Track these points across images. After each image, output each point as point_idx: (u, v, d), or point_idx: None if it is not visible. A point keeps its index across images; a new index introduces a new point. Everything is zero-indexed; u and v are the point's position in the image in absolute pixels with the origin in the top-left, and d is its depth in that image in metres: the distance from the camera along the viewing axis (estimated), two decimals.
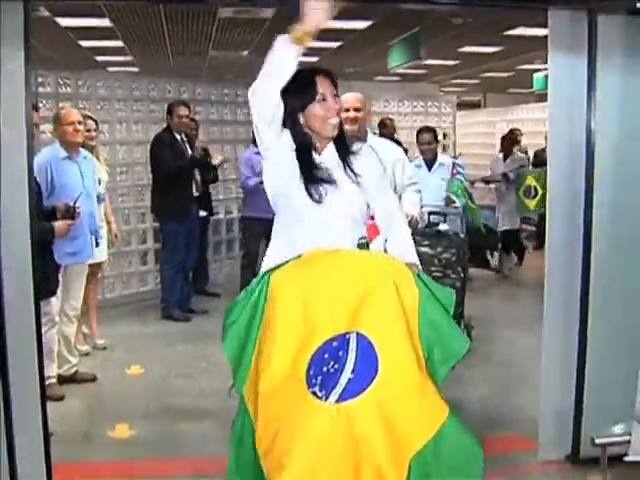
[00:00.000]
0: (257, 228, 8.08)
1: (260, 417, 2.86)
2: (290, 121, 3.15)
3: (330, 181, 3.14)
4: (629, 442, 4.03)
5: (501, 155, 10.73)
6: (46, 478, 3.90)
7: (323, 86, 3.16)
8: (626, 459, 4.03)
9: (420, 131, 7.69)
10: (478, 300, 7.61)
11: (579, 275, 4.20)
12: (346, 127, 4.72)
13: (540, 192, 9.12)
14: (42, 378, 3.93)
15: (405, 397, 2.84)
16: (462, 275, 6.04)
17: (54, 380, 5.38)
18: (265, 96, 2.97)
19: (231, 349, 3.05)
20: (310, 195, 3.10)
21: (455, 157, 11.11)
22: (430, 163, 7.32)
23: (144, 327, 7.66)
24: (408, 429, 2.81)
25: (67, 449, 4.53)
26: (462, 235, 6.53)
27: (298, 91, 3.11)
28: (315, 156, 3.20)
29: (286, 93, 3.03)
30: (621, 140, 4.17)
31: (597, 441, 4.20)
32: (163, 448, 4.69)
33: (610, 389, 4.18)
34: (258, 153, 8.24)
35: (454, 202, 6.85)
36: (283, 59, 2.91)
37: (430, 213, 6.34)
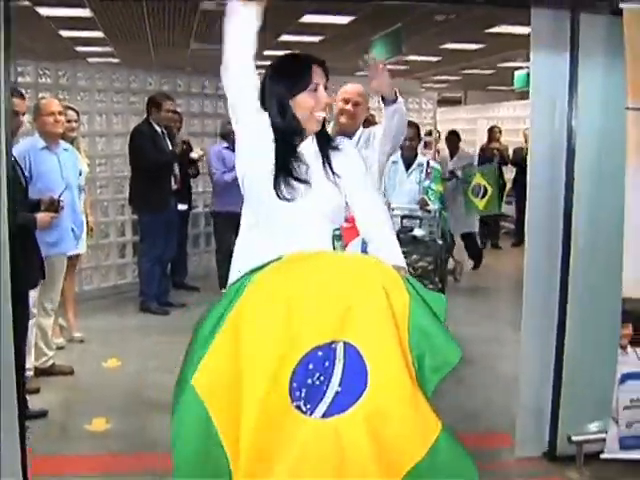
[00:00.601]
0: (229, 223, 8.04)
1: (243, 446, 2.60)
2: (277, 106, 2.97)
3: (304, 180, 2.96)
4: (605, 440, 4.07)
5: (447, 153, 10.69)
6: (22, 471, 3.87)
7: (317, 76, 2.98)
8: (602, 456, 4.07)
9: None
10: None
11: (558, 272, 4.22)
12: (342, 120, 4.59)
13: (490, 191, 8.61)
14: (19, 370, 3.89)
15: (397, 411, 2.66)
16: (440, 286, 5.79)
17: (31, 373, 5.34)
18: (236, 64, 2.88)
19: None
20: (278, 194, 2.91)
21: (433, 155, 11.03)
22: (408, 162, 6.69)
23: (122, 320, 7.62)
24: (401, 445, 2.66)
25: (43, 442, 4.51)
26: (439, 241, 6.16)
27: (291, 76, 2.97)
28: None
29: (277, 77, 2.96)
30: (602, 138, 4.18)
31: (574, 438, 4.25)
32: (140, 442, 4.67)
33: (587, 387, 4.21)
34: (227, 148, 8.29)
35: (427, 204, 6.35)
36: (241, 19, 2.86)
37: (403, 217, 6.00)
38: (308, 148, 3.05)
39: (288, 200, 2.91)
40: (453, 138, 11.03)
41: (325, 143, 3.10)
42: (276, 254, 2.82)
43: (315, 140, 3.08)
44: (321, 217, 3.02)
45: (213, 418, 2.63)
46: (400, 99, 3.89)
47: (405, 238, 5.56)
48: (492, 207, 8.41)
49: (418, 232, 5.96)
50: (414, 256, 5.53)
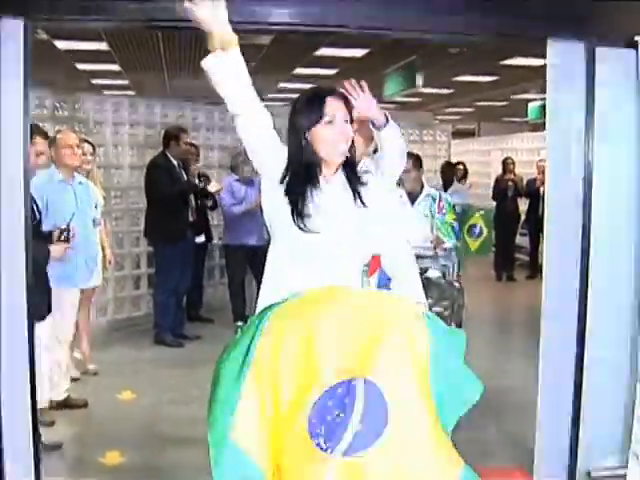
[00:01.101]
0: (240, 255, 8.12)
1: None
2: (295, 140, 2.97)
3: (331, 212, 2.96)
4: (625, 476, 4.01)
5: (441, 184, 10.50)
6: None
7: (332, 108, 2.95)
8: None
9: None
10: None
11: (575, 306, 4.18)
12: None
13: (485, 232, 8.07)
14: (34, 403, 3.89)
15: (418, 450, 2.61)
16: None
17: (45, 405, 5.32)
18: (243, 110, 2.87)
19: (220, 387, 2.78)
20: (298, 225, 2.90)
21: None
22: (413, 196, 5.94)
23: (136, 352, 7.59)
24: None
25: (58, 475, 4.48)
26: (456, 284, 5.69)
27: (305, 109, 2.96)
28: (322, 183, 3.00)
29: (294, 111, 2.96)
30: (619, 170, 4.17)
31: (593, 474, 4.19)
32: (153, 475, 4.64)
33: (606, 421, 4.16)
34: (238, 180, 8.27)
35: (443, 242, 5.81)
36: (218, 70, 2.86)
37: (417, 257, 5.34)
38: (338, 182, 3.05)
39: (306, 231, 2.89)
40: (448, 169, 10.95)
41: (353, 176, 3.08)
42: (303, 288, 2.82)
43: (343, 173, 3.07)
44: (351, 251, 3.02)
45: (260, 466, 2.64)
46: (392, 120, 3.42)
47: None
48: (484, 250, 8.05)
49: (432, 274, 5.51)
50: (429, 301, 4.63)
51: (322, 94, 2.99)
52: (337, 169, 3.06)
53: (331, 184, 3.02)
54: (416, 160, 5.98)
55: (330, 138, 2.95)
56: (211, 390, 2.80)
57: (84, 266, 5.81)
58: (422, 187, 6.01)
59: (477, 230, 7.85)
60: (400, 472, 2.58)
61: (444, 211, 5.97)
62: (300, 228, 2.89)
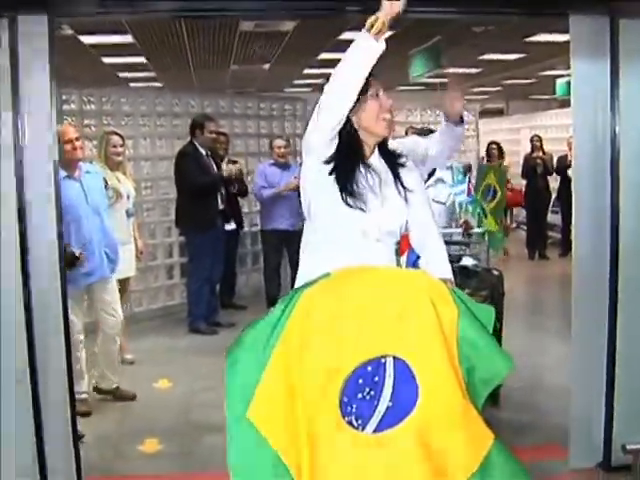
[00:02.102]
0: (276, 240, 8.14)
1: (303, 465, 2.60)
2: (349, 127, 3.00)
3: (376, 191, 3.01)
4: None
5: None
6: None
7: (375, 84, 3.03)
8: None
9: (418, 133, 5.86)
10: None
11: (607, 279, 4.17)
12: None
13: (499, 193, 7.55)
14: (72, 395, 3.96)
15: (448, 425, 2.65)
16: (498, 326, 4.70)
17: (83, 396, 5.39)
18: (340, 105, 2.84)
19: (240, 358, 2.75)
20: (349, 203, 2.94)
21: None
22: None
23: (171, 341, 7.68)
24: (453, 459, 2.63)
25: (97, 463, 4.56)
26: (495, 272, 5.33)
27: None
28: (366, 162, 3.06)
29: None
30: None
31: (628, 447, 4.18)
32: (191, 462, 4.71)
33: None
34: (274, 164, 8.28)
35: (472, 227, 5.63)
36: (366, 57, 2.80)
37: (447, 243, 4.58)
38: (377, 162, 3.10)
39: (354, 208, 2.94)
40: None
41: (393, 159, 3.14)
42: (336, 268, 2.83)
43: (380, 156, 3.12)
44: (390, 232, 3.08)
45: (275, 447, 2.63)
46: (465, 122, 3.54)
47: (453, 269, 4.26)
48: (499, 212, 7.49)
49: (468, 261, 5.26)
50: (466, 290, 4.42)
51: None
52: (374, 150, 3.11)
53: (373, 164, 3.07)
54: None
55: (375, 109, 3.01)
56: (231, 360, 2.76)
57: (104, 259, 5.67)
58: (434, 169, 5.50)
59: (491, 191, 7.50)
60: (431, 447, 2.62)
61: (472, 193, 5.86)
62: (349, 205, 2.93)
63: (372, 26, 2.75)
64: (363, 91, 2.93)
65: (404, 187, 3.09)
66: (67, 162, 5.40)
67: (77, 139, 5.57)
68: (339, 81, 2.82)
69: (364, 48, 2.78)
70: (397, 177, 3.11)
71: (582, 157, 4.23)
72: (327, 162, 2.98)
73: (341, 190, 2.95)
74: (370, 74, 2.91)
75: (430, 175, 5.52)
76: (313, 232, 3.11)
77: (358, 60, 2.80)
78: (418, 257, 3.27)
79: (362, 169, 3.03)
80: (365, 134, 3.06)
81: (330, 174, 2.97)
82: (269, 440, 2.64)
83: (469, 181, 5.87)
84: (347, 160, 2.99)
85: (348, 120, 2.96)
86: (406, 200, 3.09)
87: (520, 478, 2.74)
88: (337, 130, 2.89)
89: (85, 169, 5.68)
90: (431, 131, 5.46)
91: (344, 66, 2.81)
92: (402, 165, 3.15)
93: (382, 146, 3.14)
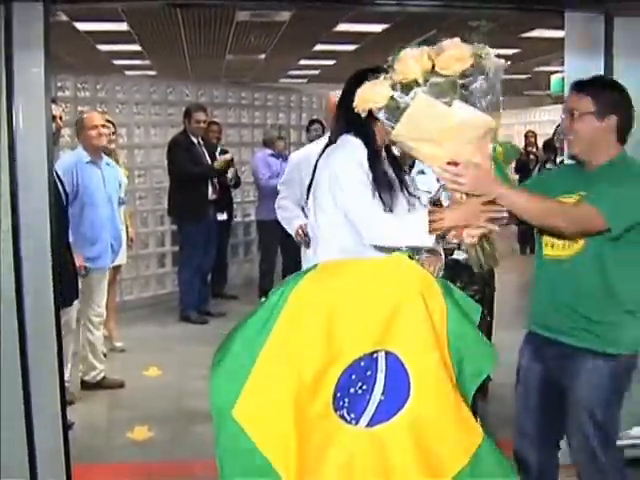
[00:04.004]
0: (274, 231, 8.11)
1: (291, 460, 2.58)
2: (354, 114, 2.90)
3: (395, 189, 3.05)
4: None
5: None
6: (66, 479, 3.93)
7: None
8: None
9: None
10: None
11: None
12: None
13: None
14: (62, 383, 3.96)
15: (440, 419, 2.66)
16: (489, 319, 4.96)
17: (67, 384, 5.38)
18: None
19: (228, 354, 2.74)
20: (384, 202, 2.94)
21: None
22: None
23: (162, 329, 7.69)
24: (444, 452, 2.65)
25: (86, 450, 4.56)
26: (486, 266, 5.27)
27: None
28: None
29: (355, 86, 2.90)
30: (637, 140, 4.15)
31: (617, 443, 4.21)
32: (181, 450, 4.73)
33: (629, 391, 4.17)
34: (272, 155, 8.27)
35: None
36: (414, 240, 2.80)
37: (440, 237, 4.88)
38: (383, 158, 3.13)
39: (390, 210, 2.96)
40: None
41: (397, 164, 3.20)
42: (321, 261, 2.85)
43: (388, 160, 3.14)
44: None
45: (260, 448, 2.62)
46: None
47: (446, 263, 4.35)
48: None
49: (460, 255, 5.08)
50: (458, 284, 4.43)
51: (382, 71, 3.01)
52: (381, 149, 3.11)
53: (383, 160, 3.09)
54: None
55: None
56: (221, 355, 2.77)
57: (109, 248, 5.82)
58: (414, 161, 5.57)
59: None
60: (423, 440, 2.63)
61: None
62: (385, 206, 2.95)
63: (434, 225, 2.73)
64: None
65: (410, 194, 3.17)
66: (92, 148, 5.64)
67: (103, 126, 5.72)
68: (385, 235, 2.84)
69: (417, 241, 2.80)
70: (403, 184, 3.16)
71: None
72: None
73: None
74: None
75: (410, 167, 5.55)
76: (326, 221, 3.06)
77: (405, 241, 2.81)
78: None
79: (377, 162, 3.03)
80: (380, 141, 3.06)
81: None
82: (254, 440, 2.62)
83: None
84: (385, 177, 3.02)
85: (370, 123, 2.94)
86: (413, 206, 3.16)
87: (507, 472, 2.77)
88: None
89: (105, 161, 5.86)
90: None
91: (395, 234, 2.83)
92: (406, 172, 3.26)
93: (388, 151, 3.17)
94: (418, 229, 2.73)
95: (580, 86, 3.07)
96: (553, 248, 3.08)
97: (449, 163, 2.70)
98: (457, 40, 2.70)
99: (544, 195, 2.97)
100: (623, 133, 3.05)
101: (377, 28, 10.61)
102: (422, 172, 5.75)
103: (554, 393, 3.15)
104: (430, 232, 2.71)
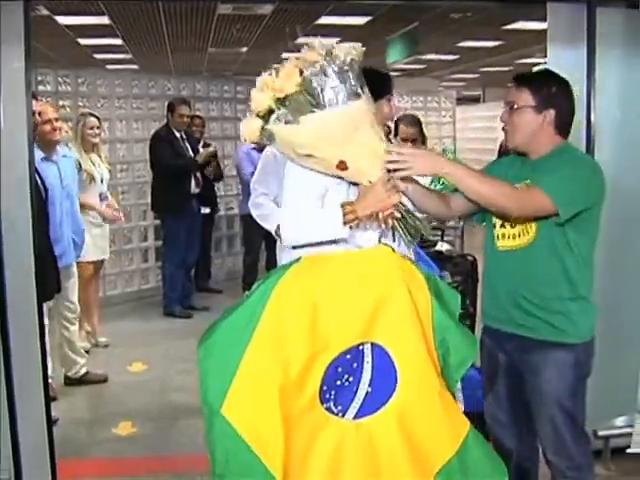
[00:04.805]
0: (258, 225, 8.06)
1: (280, 453, 2.57)
2: None
3: None
4: (631, 434, 4.05)
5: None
6: (50, 474, 3.92)
7: (391, 89, 3.13)
8: (629, 451, 4.06)
9: (403, 121, 5.64)
10: None
11: None
12: None
13: None
14: (46, 378, 3.94)
15: (427, 410, 2.65)
16: (472, 310, 4.88)
17: (51, 380, 5.34)
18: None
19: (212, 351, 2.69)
20: None
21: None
22: None
23: (146, 324, 7.67)
24: (432, 443, 2.65)
25: (71, 446, 4.55)
26: (470, 257, 5.20)
27: (375, 83, 2.84)
28: None
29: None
30: (620, 132, 4.17)
31: (600, 433, 4.24)
32: (165, 445, 4.72)
33: (613, 381, 4.18)
34: (255, 149, 8.26)
35: None
36: (330, 233, 2.80)
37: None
38: None
39: None
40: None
41: None
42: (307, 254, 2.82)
43: None
44: None
45: (251, 445, 2.59)
46: None
47: (428, 254, 4.42)
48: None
49: (443, 246, 5.26)
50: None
51: (388, 74, 3.14)
52: None
53: None
54: (420, 127, 5.72)
55: (386, 113, 3.11)
56: (204, 353, 2.71)
57: (72, 242, 5.60)
58: None
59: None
60: (410, 432, 2.62)
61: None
62: None
63: (347, 216, 2.75)
64: (385, 93, 3.03)
65: None
66: (45, 143, 5.29)
67: (56, 119, 5.42)
68: (298, 233, 2.87)
69: (332, 234, 2.80)
70: None
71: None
72: None
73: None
74: (389, 78, 3.09)
75: None
76: None
77: (319, 236, 2.82)
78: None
79: None
80: None
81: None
82: (244, 437, 2.59)
83: None
84: None
85: None
86: None
87: (494, 462, 2.77)
88: None
89: (62, 153, 5.58)
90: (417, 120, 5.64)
91: (310, 231, 2.84)
92: None
93: None
94: (333, 223, 2.76)
95: (521, 79, 3.11)
96: (505, 239, 3.11)
97: (338, 165, 2.70)
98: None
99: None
100: (563, 127, 3.07)
101: (359, 21, 10.59)
102: None
103: (519, 384, 3.19)
104: (345, 224, 2.75)
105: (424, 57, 13.33)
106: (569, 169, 2.94)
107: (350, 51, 2.62)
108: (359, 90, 2.63)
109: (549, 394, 3.07)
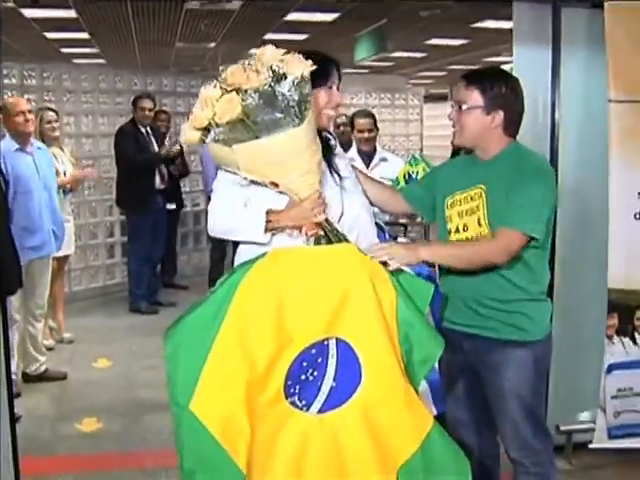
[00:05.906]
0: None
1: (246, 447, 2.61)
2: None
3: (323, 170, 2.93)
4: (593, 430, 4.10)
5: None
6: (14, 472, 3.88)
7: (334, 77, 2.96)
8: (591, 446, 4.11)
9: (357, 115, 6.20)
10: None
11: None
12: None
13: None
14: (9, 375, 3.90)
15: (391, 405, 2.66)
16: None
17: (14, 377, 5.29)
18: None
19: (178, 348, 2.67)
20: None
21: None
22: (368, 157, 5.90)
23: (111, 320, 7.63)
24: (395, 438, 2.65)
25: (34, 442, 4.52)
26: None
27: (315, 70, 2.72)
28: None
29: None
30: (585, 130, 4.21)
31: (562, 428, 4.29)
32: (131, 440, 4.70)
33: (574, 377, 4.23)
34: None
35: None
36: (250, 236, 2.87)
37: (387, 224, 4.71)
38: None
39: None
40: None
41: (327, 148, 3.01)
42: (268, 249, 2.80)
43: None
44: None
45: (219, 441, 2.61)
46: None
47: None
48: None
49: (404, 242, 5.21)
50: None
51: (331, 60, 3.00)
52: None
53: None
54: (374, 120, 6.09)
55: (322, 102, 2.92)
56: (172, 347, 2.68)
57: (51, 236, 5.63)
58: (375, 148, 6.06)
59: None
60: (374, 426, 2.63)
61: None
62: None
63: (269, 224, 2.83)
64: (324, 80, 2.90)
65: (339, 175, 3.01)
66: (19, 134, 5.41)
67: (29, 111, 5.51)
68: (222, 224, 2.97)
69: (252, 236, 2.87)
70: (332, 166, 3.01)
71: (522, 141, 4.27)
72: None
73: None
74: (337, 65, 2.97)
75: (370, 157, 5.98)
76: None
77: (240, 236, 2.94)
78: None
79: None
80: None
81: None
82: (213, 433, 2.61)
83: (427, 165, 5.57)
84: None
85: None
86: (342, 188, 3.00)
87: (458, 457, 2.78)
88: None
89: (36, 145, 5.64)
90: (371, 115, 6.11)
91: (233, 227, 2.93)
92: (335, 154, 3.05)
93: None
94: (255, 225, 2.81)
95: (470, 78, 3.05)
96: (457, 236, 3.10)
97: (270, 183, 2.74)
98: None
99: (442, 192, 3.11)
100: (512, 127, 3.07)
101: (328, 17, 10.59)
102: (385, 159, 5.91)
103: (477, 382, 3.20)
104: (266, 230, 2.80)
105: (392, 54, 13.32)
106: (525, 195, 2.91)
107: (300, 66, 2.62)
108: (302, 113, 2.62)
109: (510, 392, 3.08)
